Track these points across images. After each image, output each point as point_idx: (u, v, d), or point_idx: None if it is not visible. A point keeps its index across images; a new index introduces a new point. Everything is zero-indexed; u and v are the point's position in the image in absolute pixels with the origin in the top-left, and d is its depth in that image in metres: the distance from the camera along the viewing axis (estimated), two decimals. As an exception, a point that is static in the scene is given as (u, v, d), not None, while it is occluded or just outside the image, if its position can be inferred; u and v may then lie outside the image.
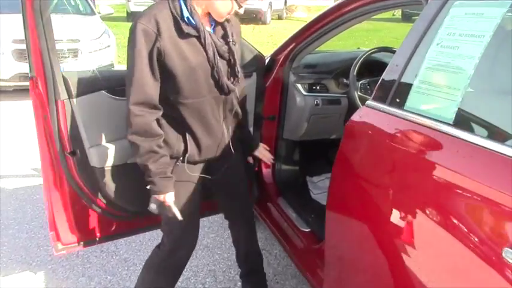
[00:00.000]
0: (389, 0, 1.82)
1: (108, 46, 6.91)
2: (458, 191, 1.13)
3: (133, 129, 1.68)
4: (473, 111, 1.25)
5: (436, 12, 1.38)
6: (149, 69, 1.64)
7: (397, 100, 1.43)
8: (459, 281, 1.14)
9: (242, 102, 2.05)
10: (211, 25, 1.78)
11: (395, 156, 1.39)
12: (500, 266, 1.00)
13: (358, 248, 1.59)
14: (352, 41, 9.87)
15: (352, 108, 2.48)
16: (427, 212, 1.21)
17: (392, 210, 1.33)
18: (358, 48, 3.74)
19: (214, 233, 3.10)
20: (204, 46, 1.69)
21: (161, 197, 1.78)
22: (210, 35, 1.71)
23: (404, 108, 1.39)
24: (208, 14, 1.72)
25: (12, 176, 3.95)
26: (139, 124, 1.67)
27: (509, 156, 1.04)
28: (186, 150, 1.83)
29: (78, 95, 2.00)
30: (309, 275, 2.14)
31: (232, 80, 1.81)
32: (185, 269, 2.15)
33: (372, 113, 1.52)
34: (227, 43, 1.77)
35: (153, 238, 2.97)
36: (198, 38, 1.68)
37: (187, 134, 1.81)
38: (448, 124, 1.22)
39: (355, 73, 2.47)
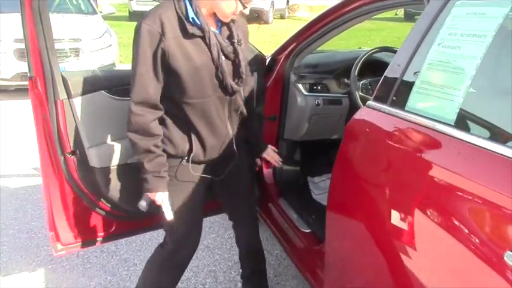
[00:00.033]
0: (390, 0, 1.80)
1: (110, 45, 6.92)
2: (459, 193, 1.12)
3: (132, 127, 1.71)
4: (475, 112, 1.24)
5: (437, 11, 1.37)
6: (152, 70, 1.65)
7: (398, 100, 1.42)
8: (460, 283, 1.12)
9: (250, 104, 2.06)
10: (217, 26, 1.78)
11: (395, 157, 1.38)
12: (502, 269, 0.98)
13: (359, 249, 1.58)
14: (355, 41, 9.84)
15: (354, 108, 2.46)
16: (428, 213, 1.20)
17: (392, 211, 1.32)
18: (360, 48, 3.72)
19: (215, 233, 3.09)
20: (208, 46, 1.69)
21: (152, 195, 1.80)
22: (215, 35, 1.70)
23: (405, 108, 1.37)
24: (214, 14, 1.72)
25: (13, 176, 3.95)
26: (138, 123, 1.70)
27: (511, 157, 1.03)
28: (191, 150, 1.83)
29: (77, 95, 1.99)
30: (309, 276, 2.13)
31: (237, 80, 1.81)
32: (185, 269, 2.14)
33: (372, 114, 1.51)
34: (232, 44, 1.77)
35: (153, 238, 2.96)
36: (203, 38, 1.68)
37: (192, 134, 1.82)
38: (449, 125, 1.21)
39: (356, 73, 2.45)
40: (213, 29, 1.73)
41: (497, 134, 1.16)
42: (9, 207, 3.40)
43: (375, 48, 2.58)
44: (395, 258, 1.31)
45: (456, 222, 1.12)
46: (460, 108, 1.20)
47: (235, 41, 1.77)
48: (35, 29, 1.84)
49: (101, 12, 8.04)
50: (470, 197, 1.09)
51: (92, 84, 2.03)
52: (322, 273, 1.97)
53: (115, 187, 2.14)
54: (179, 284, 2.16)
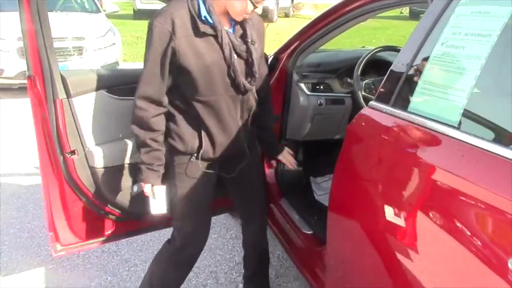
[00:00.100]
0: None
1: (113, 44, 6.90)
2: (462, 197, 1.09)
3: (133, 120, 1.79)
4: (479, 114, 1.21)
5: (441, 10, 1.34)
6: (159, 68, 1.69)
7: (401, 101, 1.39)
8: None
9: (265, 104, 2.07)
10: (231, 24, 1.78)
11: (397, 159, 1.35)
12: (506, 276, 0.96)
13: (360, 250, 1.56)
14: (359, 39, 9.81)
15: (356, 108, 2.44)
16: (430, 216, 1.17)
17: (393, 213, 1.30)
18: (363, 46, 3.69)
19: (217, 234, 3.07)
20: (220, 45, 1.70)
21: (142, 185, 1.88)
22: (227, 34, 1.71)
23: (408, 109, 1.35)
24: (228, 13, 1.72)
25: (15, 174, 3.95)
26: (139, 117, 1.76)
27: (516, 161, 1.00)
28: (200, 146, 1.84)
29: (76, 95, 1.97)
30: (310, 277, 2.11)
31: (249, 79, 1.82)
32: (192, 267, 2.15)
33: (374, 114, 1.48)
34: (246, 43, 1.77)
35: (154, 238, 2.95)
36: (215, 37, 1.69)
37: (202, 131, 1.83)
38: (453, 127, 1.18)
39: (359, 72, 2.42)
40: (226, 27, 1.74)
41: (502, 137, 1.13)
42: (10, 206, 3.39)
43: (378, 48, 2.55)
44: (397, 260, 1.29)
45: (459, 226, 1.09)
46: (464, 110, 1.18)
47: (249, 40, 1.77)
48: (34, 27, 1.83)
49: (104, 10, 8.03)
50: (474, 202, 1.06)
51: (91, 84, 2.01)
52: (324, 275, 1.96)
53: (115, 187, 2.13)
54: (179, 285, 2.14)
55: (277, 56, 2.55)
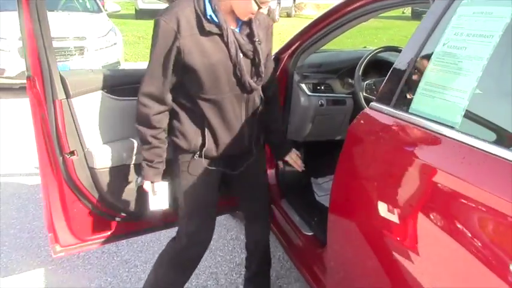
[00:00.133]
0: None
1: (115, 44, 6.89)
2: (463, 199, 1.08)
3: (137, 117, 1.82)
4: (481, 115, 1.20)
5: (442, 11, 1.33)
6: (162, 66, 1.71)
7: (402, 102, 1.38)
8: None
9: (273, 104, 2.08)
10: (238, 24, 1.78)
11: (398, 160, 1.34)
12: (508, 280, 0.94)
13: (361, 252, 1.54)
14: (361, 39, 9.80)
15: (358, 108, 2.42)
16: (430, 218, 1.16)
17: (393, 215, 1.29)
18: (365, 47, 3.67)
19: (217, 235, 3.05)
20: (226, 44, 1.70)
21: (142, 180, 1.92)
22: (233, 33, 1.72)
23: (409, 110, 1.34)
24: (234, 12, 1.72)
25: (16, 174, 3.94)
26: (141, 113, 1.79)
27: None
28: (203, 144, 1.85)
29: (76, 95, 1.97)
30: (311, 279, 2.10)
31: (255, 79, 1.82)
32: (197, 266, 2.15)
33: (375, 115, 1.47)
34: (252, 42, 1.78)
35: (155, 239, 2.94)
36: (221, 35, 1.70)
37: (205, 129, 1.84)
38: (454, 128, 1.17)
39: (360, 73, 2.41)
40: (232, 27, 1.74)
41: (504, 139, 1.12)
42: (11, 207, 3.38)
43: (380, 48, 2.54)
44: (398, 262, 1.28)
45: (461, 229, 1.08)
46: (466, 111, 1.16)
47: (256, 39, 1.77)
48: (33, 27, 1.82)
49: (106, 10, 8.02)
50: (475, 205, 1.05)
51: (90, 84, 2.00)
52: (324, 276, 1.94)
53: (114, 188, 2.12)
54: (179, 286, 2.13)
55: (278, 56, 2.54)
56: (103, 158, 2.04)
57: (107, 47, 6.70)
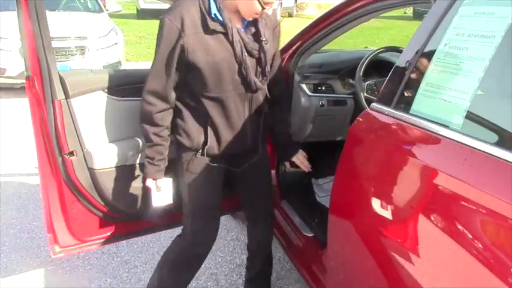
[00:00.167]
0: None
1: (116, 44, 6.89)
2: (464, 202, 1.06)
3: (141, 114, 1.84)
4: (483, 117, 1.19)
5: (444, 11, 1.32)
6: (166, 64, 1.72)
7: (403, 103, 1.37)
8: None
9: (280, 104, 2.10)
10: (243, 23, 1.79)
11: (398, 162, 1.33)
12: (509, 284, 0.93)
13: (361, 254, 1.53)
14: (363, 39, 9.80)
15: (359, 109, 2.41)
16: (432, 220, 1.15)
17: (394, 217, 1.28)
18: (366, 47, 3.66)
19: (217, 235, 3.03)
20: (231, 43, 1.71)
21: (145, 179, 1.93)
22: (238, 32, 1.72)
23: (410, 112, 1.33)
24: (239, 11, 1.73)
25: (16, 174, 3.93)
26: (145, 111, 1.81)
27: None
28: (205, 142, 1.86)
29: (75, 95, 1.96)
30: (311, 280, 2.09)
31: (260, 78, 1.83)
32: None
33: (376, 116, 1.46)
34: (258, 42, 1.78)
35: (155, 240, 2.93)
36: (226, 34, 1.71)
37: (208, 127, 1.84)
38: (456, 130, 1.15)
39: (361, 73, 2.40)
40: (238, 26, 1.75)
41: (506, 140, 1.10)
42: (11, 207, 3.38)
43: (381, 48, 2.53)
44: (398, 264, 1.27)
45: (462, 232, 1.07)
46: (467, 112, 1.15)
47: (263, 39, 1.78)
48: (32, 27, 1.81)
49: (107, 10, 8.02)
50: (476, 207, 1.04)
51: (90, 84, 2.00)
52: (324, 277, 1.93)
53: (114, 189, 2.11)
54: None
55: (279, 56, 2.53)
56: (102, 158, 2.04)
57: (107, 47, 6.69)
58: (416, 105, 1.32)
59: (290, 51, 2.47)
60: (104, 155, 2.04)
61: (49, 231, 2.11)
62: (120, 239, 2.41)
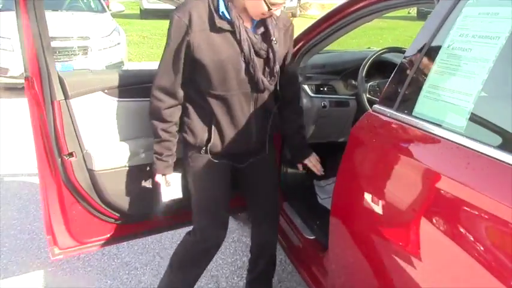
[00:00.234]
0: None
1: (118, 44, 6.89)
2: (466, 207, 1.04)
3: (150, 110, 1.86)
4: (487, 119, 1.16)
5: (447, 11, 1.29)
6: (175, 60, 1.74)
7: (405, 105, 1.35)
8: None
9: (292, 104, 2.09)
10: (253, 23, 1.78)
11: (400, 165, 1.31)
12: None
13: (362, 257, 1.51)
14: (366, 40, 9.77)
15: (361, 110, 2.39)
16: (434, 223, 1.13)
17: (396, 219, 1.28)
18: (369, 47, 3.64)
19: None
20: (239, 41, 1.71)
21: (154, 175, 1.95)
22: (246, 31, 1.72)
23: (413, 114, 1.31)
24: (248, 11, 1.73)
25: (17, 175, 3.92)
26: (154, 107, 1.84)
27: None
28: (209, 140, 1.86)
29: (74, 96, 1.94)
30: (312, 283, 2.07)
31: (268, 78, 1.83)
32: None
33: (378, 118, 1.44)
34: (267, 41, 1.78)
35: (155, 241, 2.92)
36: (233, 33, 1.71)
37: (212, 125, 1.85)
38: (459, 133, 1.13)
39: (363, 74, 2.38)
40: (247, 25, 1.75)
41: (510, 144, 1.08)
42: (12, 207, 3.37)
43: (384, 49, 2.51)
44: (400, 267, 1.25)
45: (464, 236, 1.04)
46: (471, 115, 1.13)
47: (272, 39, 1.78)
48: (31, 27, 1.80)
49: (110, 10, 8.02)
50: (480, 212, 1.01)
51: (89, 85, 1.98)
52: (326, 280, 1.92)
53: (113, 190, 2.10)
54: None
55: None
56: (102, 159, 2.02)
57: (110, 47, 6.69)
58: (419, 107, 1.30)
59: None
60: (103, 156, 2.02)
61: (48, 233, 2.10)
62: (119, 240, 2.40)
